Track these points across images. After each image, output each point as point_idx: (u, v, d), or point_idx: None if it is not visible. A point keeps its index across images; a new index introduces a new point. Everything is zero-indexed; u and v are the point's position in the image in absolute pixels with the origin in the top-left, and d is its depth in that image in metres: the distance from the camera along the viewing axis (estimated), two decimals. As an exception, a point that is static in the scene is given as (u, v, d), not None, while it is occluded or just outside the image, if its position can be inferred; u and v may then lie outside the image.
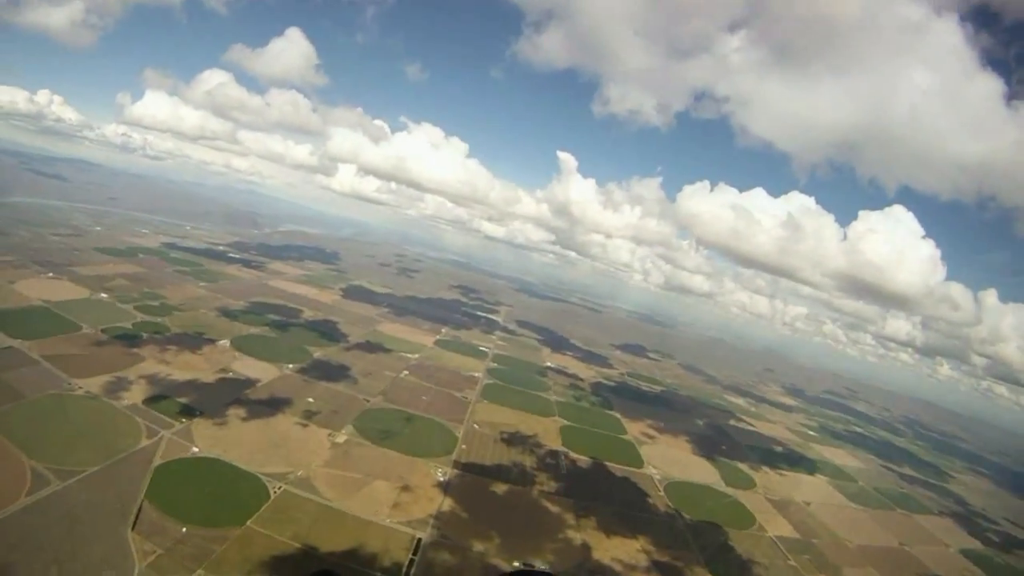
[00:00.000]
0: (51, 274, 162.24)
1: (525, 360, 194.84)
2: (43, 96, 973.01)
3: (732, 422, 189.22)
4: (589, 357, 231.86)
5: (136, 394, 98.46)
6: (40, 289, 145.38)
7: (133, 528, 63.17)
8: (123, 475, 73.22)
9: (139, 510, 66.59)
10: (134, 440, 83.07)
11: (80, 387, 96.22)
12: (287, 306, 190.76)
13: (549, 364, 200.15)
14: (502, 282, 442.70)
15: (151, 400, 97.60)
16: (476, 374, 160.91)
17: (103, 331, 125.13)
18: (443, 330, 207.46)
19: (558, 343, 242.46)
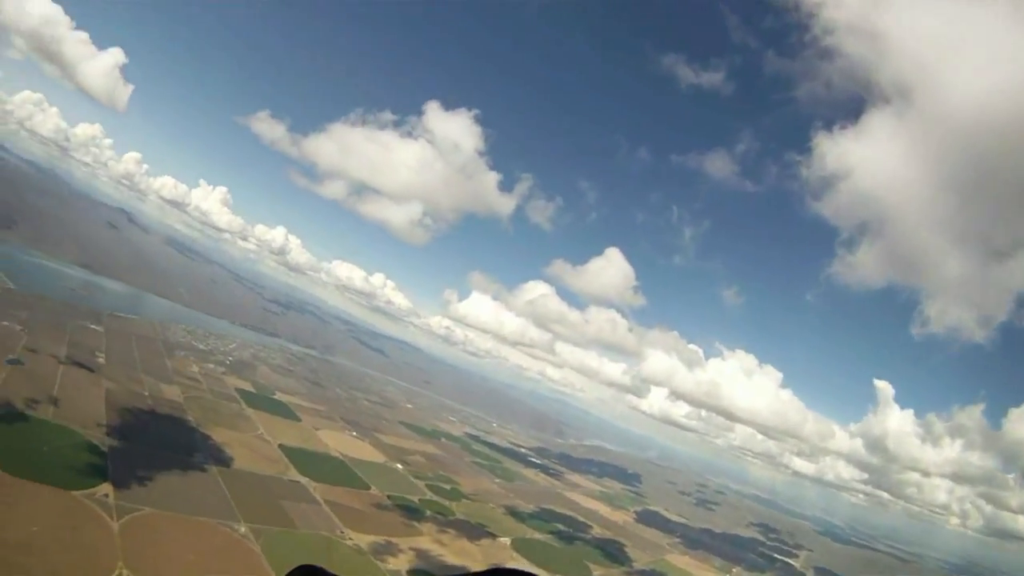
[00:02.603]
0: (355, 433, 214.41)
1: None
2: (377, 279, 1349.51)
3: None
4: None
5: (402, 562, 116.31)
6: (341, 443, 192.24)
7: None
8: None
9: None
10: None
11: (351, 539, 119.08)
12: (577, 519, 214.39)
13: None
14: (805, 523, 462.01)
15: (414, 573, 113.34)
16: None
17: (389, 497, 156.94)
18: (735, 569, 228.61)
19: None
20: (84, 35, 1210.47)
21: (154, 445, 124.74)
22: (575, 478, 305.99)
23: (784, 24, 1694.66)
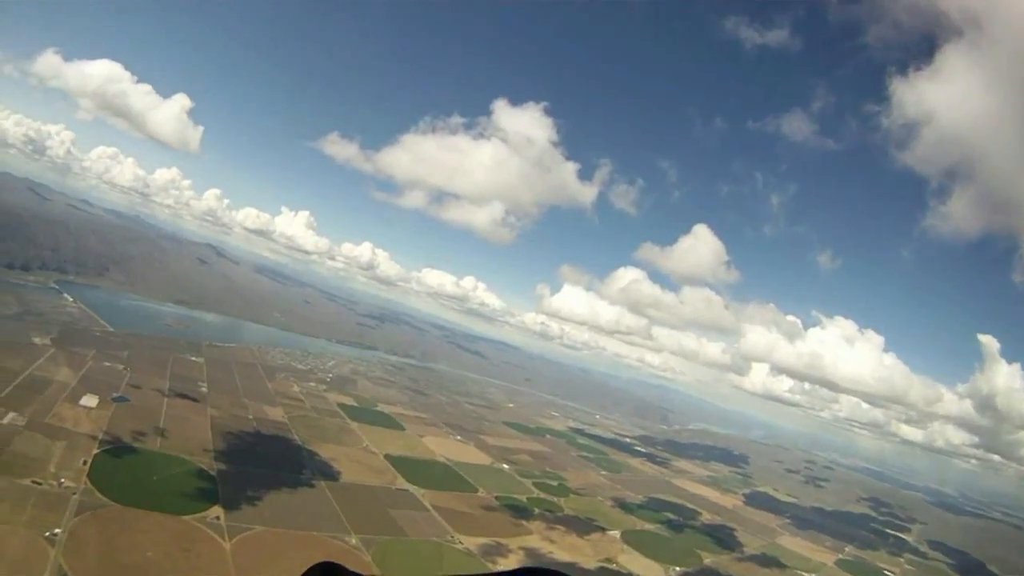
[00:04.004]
0: (459, 437, 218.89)
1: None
2: (468, 282, 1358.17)
3: None
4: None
5: (512, 562, 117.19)
6: (446, 448, 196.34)
7: None
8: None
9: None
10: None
11: (460, 542, 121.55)
12: (686, 506, 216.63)
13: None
14: (917, 494, 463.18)
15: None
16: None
17: (496, 498, 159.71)
18: (847, 548, 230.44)
19: (973, 569, 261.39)
20: (147, 87, 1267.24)
21: (262, 466, 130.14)
22: (682, 464, 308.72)
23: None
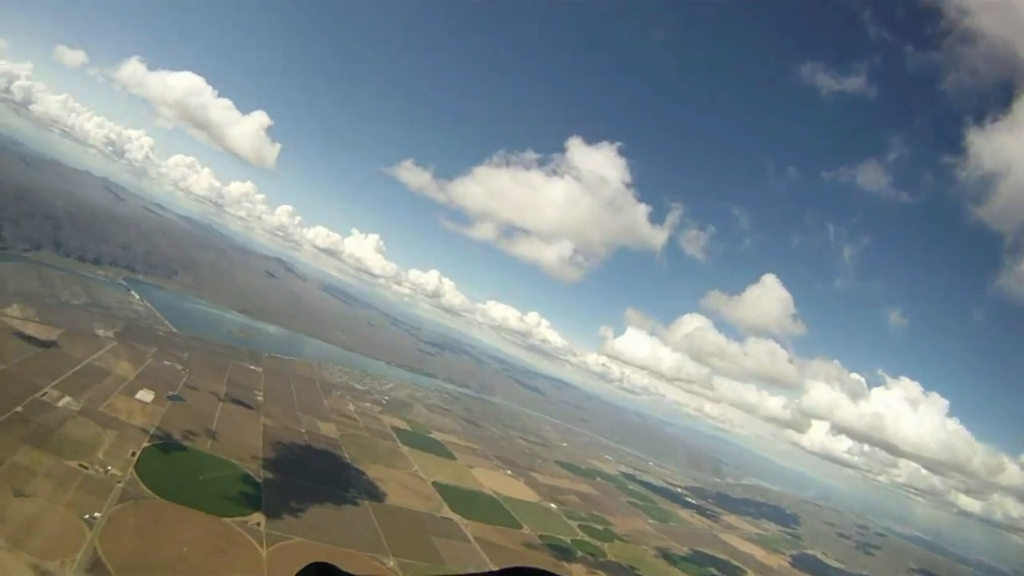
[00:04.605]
0: (509, 472, 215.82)
1: None
2: (532, 318, 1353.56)
3: None
4: None
5: None
6: (495, 481, 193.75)
7: None
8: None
9: None
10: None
11: None
12: (731, 563, 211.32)
13: None
14: (969, 568, 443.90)
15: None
16: None
17: (540, 536, 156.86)
18: None
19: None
20: (227, 102, 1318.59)
21: (308, 479, 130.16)
22: (731, 519, 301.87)
23: (916, 11, 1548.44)
